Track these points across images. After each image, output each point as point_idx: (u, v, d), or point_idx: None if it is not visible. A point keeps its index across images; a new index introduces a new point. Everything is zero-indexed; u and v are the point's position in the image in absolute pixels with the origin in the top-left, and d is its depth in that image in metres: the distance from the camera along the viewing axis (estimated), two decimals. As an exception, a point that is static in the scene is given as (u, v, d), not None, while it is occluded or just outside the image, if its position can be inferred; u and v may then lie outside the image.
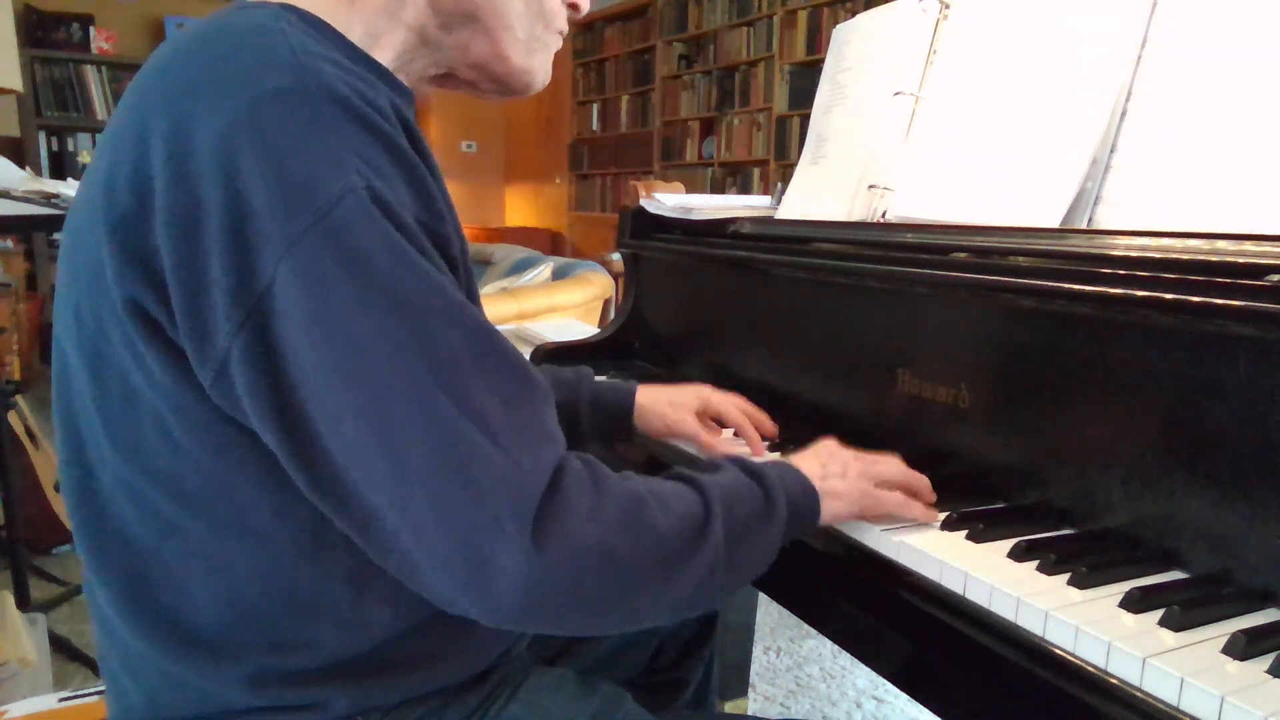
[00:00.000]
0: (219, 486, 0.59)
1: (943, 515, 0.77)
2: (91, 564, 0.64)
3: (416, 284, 0.55)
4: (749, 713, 1.83)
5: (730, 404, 0.99)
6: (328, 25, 0.62)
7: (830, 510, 0.74)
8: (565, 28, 0.76)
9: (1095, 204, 0.87)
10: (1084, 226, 0.87)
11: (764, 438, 0.99)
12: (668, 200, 1.42)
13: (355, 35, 0.64)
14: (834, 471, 0.76)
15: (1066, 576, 0.66)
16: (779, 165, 5.41)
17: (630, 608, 0.61)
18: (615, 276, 3.28)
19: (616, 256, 2.00)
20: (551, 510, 0.56)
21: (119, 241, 0.55)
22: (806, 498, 0.73)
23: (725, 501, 0.66)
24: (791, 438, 1.00)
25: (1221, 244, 0.68)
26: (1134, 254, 0.73)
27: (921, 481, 0.79)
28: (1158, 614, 0.60)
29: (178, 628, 0.62)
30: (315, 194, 0.52)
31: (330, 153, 0.53)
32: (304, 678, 0.64)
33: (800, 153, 1.31)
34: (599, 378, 1.07)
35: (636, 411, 1.00)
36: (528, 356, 1.13)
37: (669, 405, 0.99)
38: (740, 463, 0.72)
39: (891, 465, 0.79)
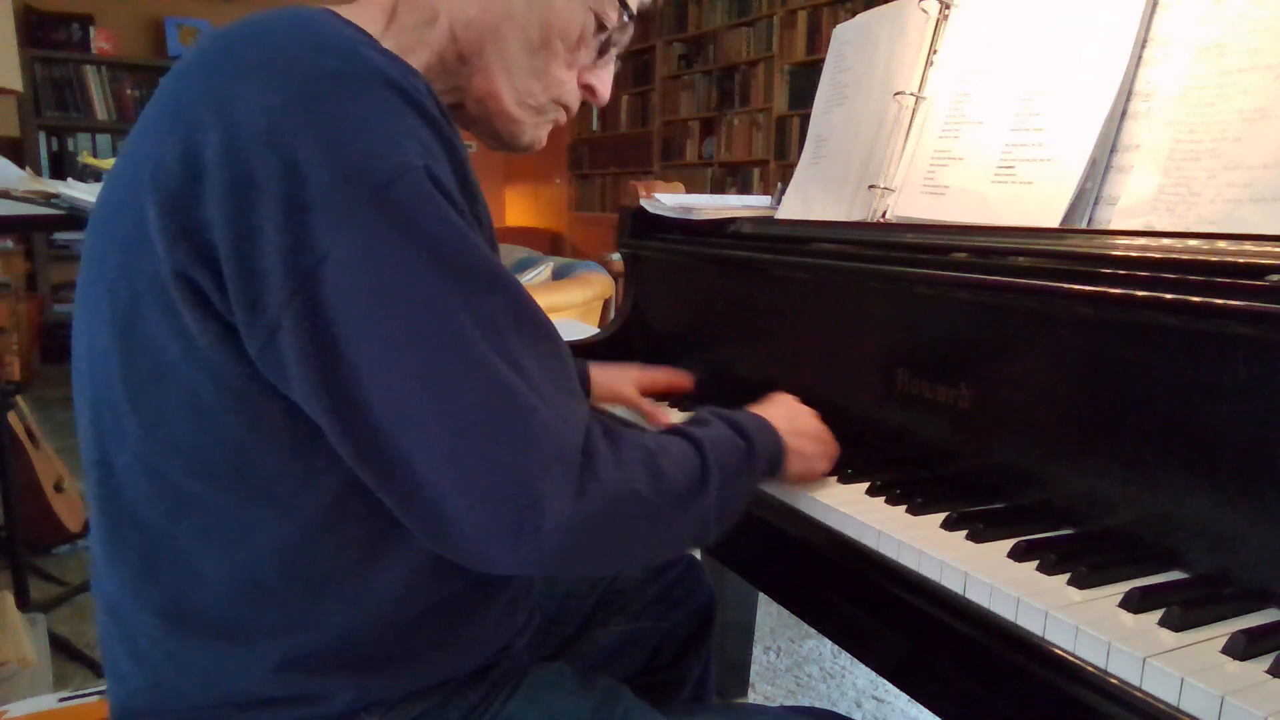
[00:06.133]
0: (243, 459, 0.60)
1: (943, 515, 0.77)
2: (105, 545, 0.65)
3: (466, 253, 0.58)
4: (749, 713, 1.82)
5: (658, 371, 1.20)
6: (366, 32, 0.64)
7: (793, 470, 0.83)
8: (572, 104, 0.77)
9: (1095, 204, 0.87)
10: (1084, 226, 0.87)
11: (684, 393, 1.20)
12: (668, 200, 1.42)
13: (388, 46, 0.66)
14: (801, 430, 0.85)
15: (1066, 576, 0.66)
16: (779, 165, 5.41)
17: (648, 545, 0.68)
18: (615, 276, 3.28)
19: (616, 256, 2.00)
20: (587, 458, 0.60)
21: (169, 217, 0.56)
22: (778, 454, 0.81)
23: (717, 453, 0.72)
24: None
25: (1221, 244, 0.68)
26: (1134, 254, 0.73)
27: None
28: (1158, 614, 0.60)
29: (189, 608, 0.63)
30: (375, 169, 0.54)
31: (387, 131, 0.56)
32: (311, 662, 0.64)
33: (800, 153, 1.31)
34: None
35: (591, 385, 1.16)
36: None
37: (611, 378, 1.17)
38: (723, 416, 0.78)
39: (828, 434, 0.89)
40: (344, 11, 0.66)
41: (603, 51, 0.77)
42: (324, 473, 0.60)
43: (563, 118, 0.78)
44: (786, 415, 0.85)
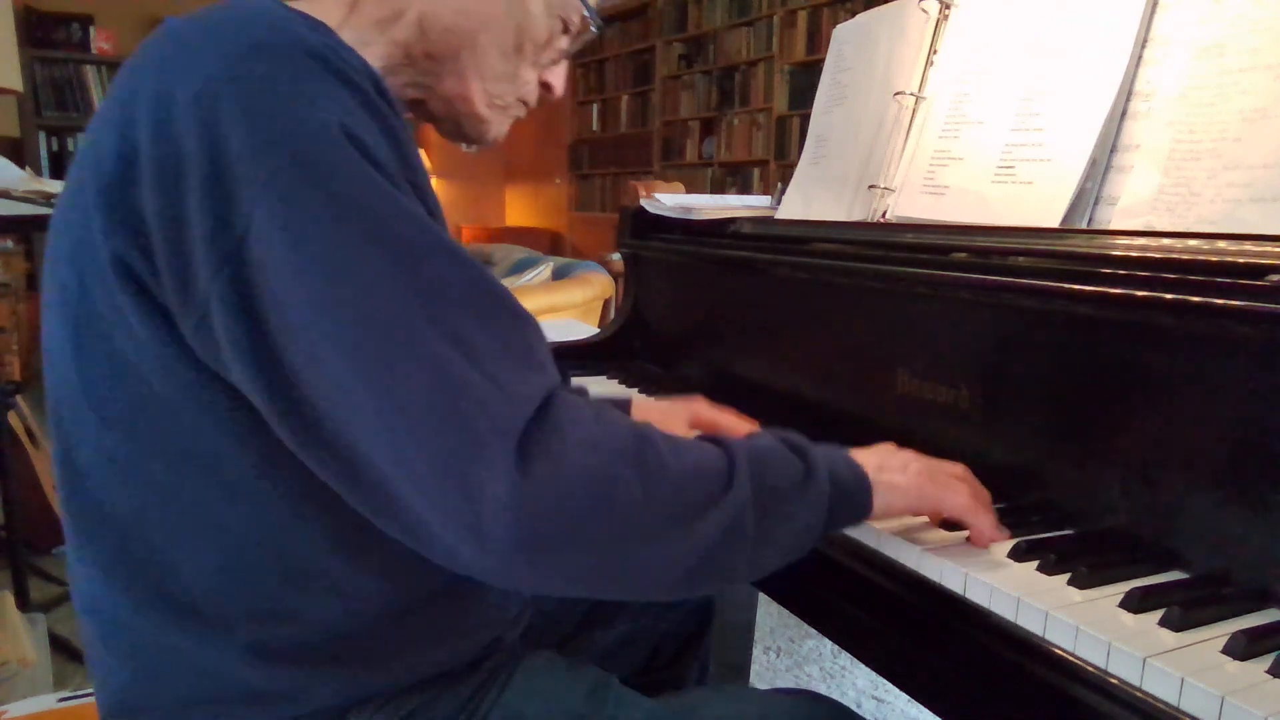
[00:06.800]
0: (202, 447, 0.59)
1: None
2: (76, 541, 0.64)
3: (395, 215, 0.55)
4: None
5: (723, 414, 1.00)
6: (318, 20, 0.63)
7: (885, 501, 0.70)
8: (532, 101, 0.80)
9: (1095, 204, 0.87)
10: (1084, 226, 0.87)
11: None
12: (668, 200, 1.42)
13: (346, 38, 0.65)
14: (892, 465, 0.72)
15: (1066, 576, 0.66)
16: (779, 165, 5.41)
17: (637, 559, 0.57)
18: (615, 276, 3.28)
19: (616, 256, 2.00)
20: (540, 435, 0.54)
21: (106, 203, 0.55)
22: (856, 481, 0.69)
23: (754, 463, 0.62)
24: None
25: (1221, 244, 0.68)
26: (1134, 254, 0.73)
27: (986, 494, 0.74)
28: (1158, 614, 0.60)
29: (166, 596, 0.62)
30: (289, 133, 0.53)
31: (304, 96, 0.54)
32: (294, 655, 0.63)
33: (800, 153, 1.31)
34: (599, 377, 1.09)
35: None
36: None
37: (661, 416, 1.00)
38: (782, 435, 0.68)
39: (958, 469, 0.76)
40: (302, 5, 0.65)
41: (562, 52, 0.80)
42: (283, 459, 0.57)
43: (523, 113, 0.81)
44: (876, 452, 0.74)
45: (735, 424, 0.98)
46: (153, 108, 0.54)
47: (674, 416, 1.00)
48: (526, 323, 0.60)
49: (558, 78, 0.81)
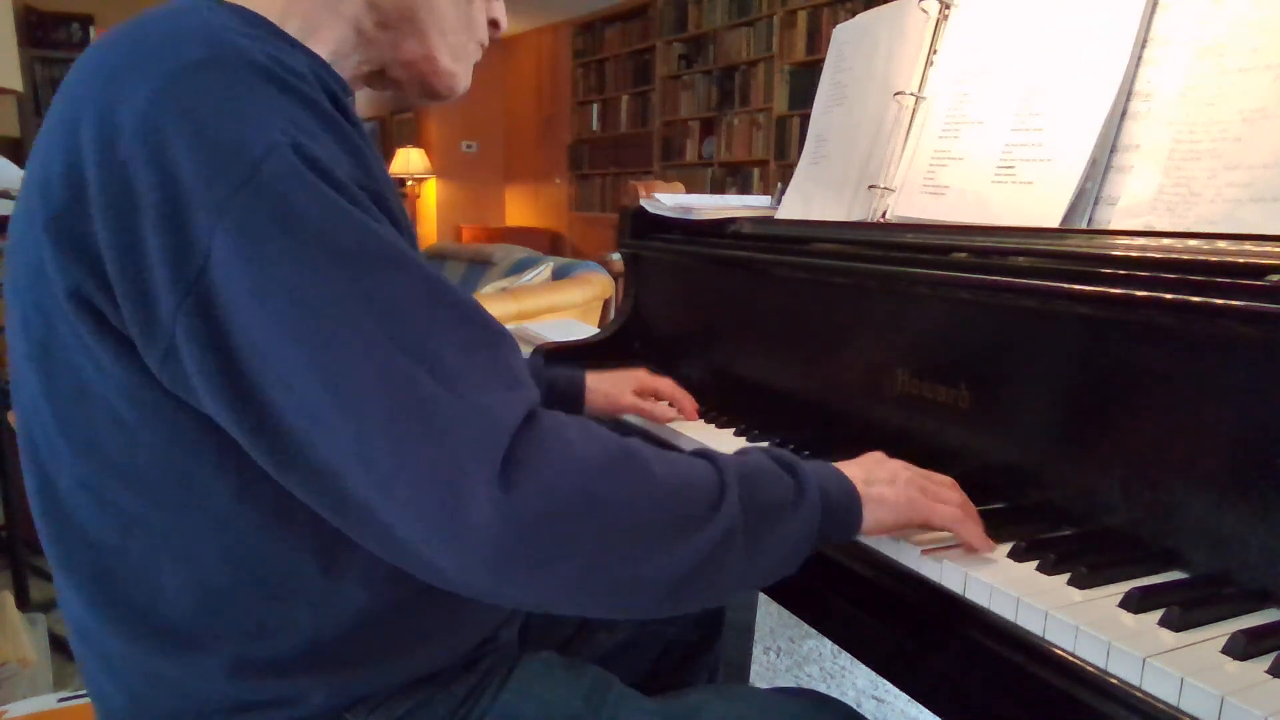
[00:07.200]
0: (177, 473, 0.59)
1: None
2: (61, 570, 0.64)
3: (354, 234, 0.54)
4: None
5: (662, 380, 1.15)
6: (258, 15, 0.61)
7: (875, 517, 0.70)
8: (486, 41, 0.80)
9: (1095, 204, 0.87)
10: (1084, 226, 0.87)
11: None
12: (668, 200, 1.42)
13: (292, 27, 0.65)
14: (880, 478, 0.72)
15: (1066, 576, 0.66)
16: (779, 165, 5.41)
17: (624, 576, 0.57)
18: (615, 276, 3.28)
19: (616, 256, 2.00)
20: (524, 452, 0.54)
21: (57, 236, 0.54)
22: (846, 498, 0.69)
23: (745, 480, 0.62)
24: (788, 438, 1.00)
25: (1221, 244, 0.68)
26: (1134, 254, 0.73)
27: (974, 508, 0.74)
28: (1158, 614, 0.60)
29: (152, 622, 0.62)
30: (240, 157, 0.51)
31: (252, 116, 0.53)
32: (282, 666, 0.63)
33: (800, 153, 1.31)
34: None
35: (586, 393, 1.13)
36: (527, 357, 1.16)
37: (610, 384, 1.14)
38: (772, 452, 0.69)
39: (947, 480, 0.75)
40: None
41: None
42: (260, 480, 0.57)
43: (479, 56, 0.80)
44: (863, 465, 0.73)
45: (674, 389, 1.13)
46: (97, 133, 0.53)
47: (622, 385, 1.14)
48: (501, 338, 0.59)
49: (500, 11, 0.80)
